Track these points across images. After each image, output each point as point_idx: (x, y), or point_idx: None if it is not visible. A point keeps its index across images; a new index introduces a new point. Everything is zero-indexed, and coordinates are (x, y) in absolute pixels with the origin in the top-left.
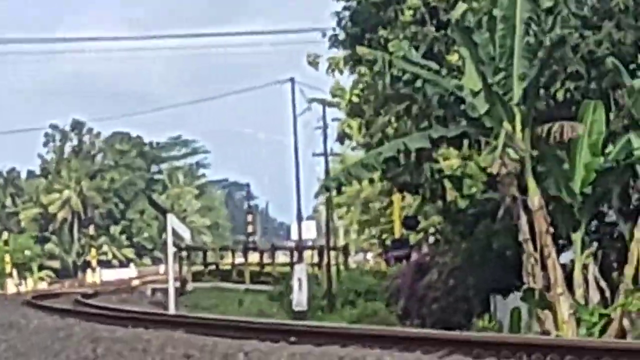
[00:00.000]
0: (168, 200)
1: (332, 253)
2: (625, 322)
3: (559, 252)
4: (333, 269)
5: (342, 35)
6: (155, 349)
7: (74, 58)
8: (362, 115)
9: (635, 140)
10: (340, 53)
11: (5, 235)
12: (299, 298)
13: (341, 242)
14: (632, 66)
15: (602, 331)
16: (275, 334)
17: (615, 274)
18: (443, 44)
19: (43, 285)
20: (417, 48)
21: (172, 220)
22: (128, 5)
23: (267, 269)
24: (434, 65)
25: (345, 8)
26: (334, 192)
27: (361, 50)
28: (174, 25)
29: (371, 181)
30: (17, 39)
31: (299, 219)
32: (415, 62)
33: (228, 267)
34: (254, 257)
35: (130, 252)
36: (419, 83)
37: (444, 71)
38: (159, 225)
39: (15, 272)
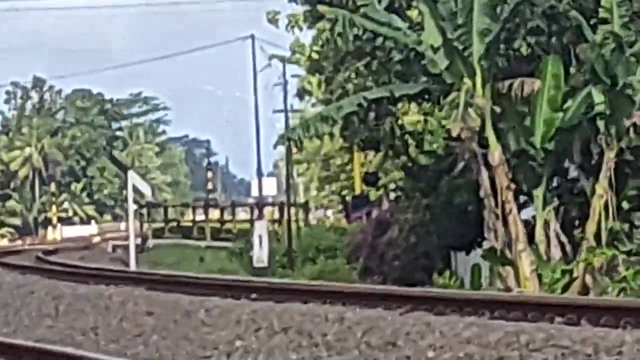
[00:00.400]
0: (129, 157)
1: (293, 210)
2: (588, 279)
3: (520, 208)
4: (293, 226)
5: None
6: (117, 305)
7: (33, 16)
8: (322, 71)
9: (596, 95)
10: (299, 9)
11: None
12: (260, 255)
13: (301, 199)
14: (592, 21)
15: (565, 288)
16: (237, 291)
17: (576, 231)
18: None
19: (3, 242)
20: (379, 2)
21: (132, 177)
22: None
23: (228, 225)
24: (394, 22)
25: None
26: (294, 146)
27: (322, 9)
28: None
29: (331, 136)
30: None
31: (259, 175)
32: (376, 20)
33: (189, 224)
34: (214, 213)
35: (91, 209)
36: (379, 40)
37: (405, 26)
38: (119, 183)
39: None
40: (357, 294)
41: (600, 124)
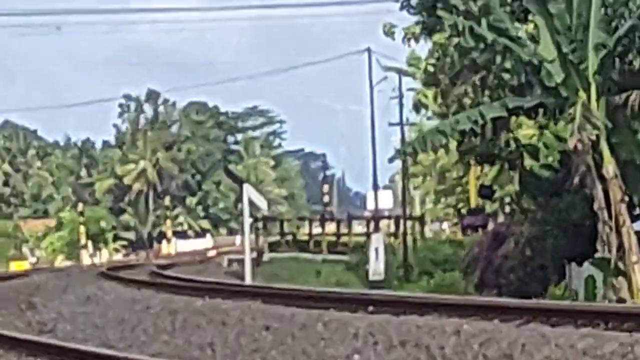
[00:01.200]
0: (244, 170)
1: (409, 223)
2: None
3: (634, 220)
4: (409, 239)
5: (414, 2)
6: (234, 320)
7: (146, 29)
8: (438, 84)
9: None
10: (414, 20)
11: (80, 206)
12: (376, 267)
13: (417, 212)
14: None
15: None
16: (353, 304)
17: None
18: (520, 13)
19: (118, 257)
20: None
21: (248, 191)
22: None
23: (344, 239)
24: (513, 31)
25: None
26: (410, 159)
27: (442, 14)
28: None
29: (446, 149)
30: (89, 9)
31: (375, 188)
32: (497, 28)
33: (305, 238)
34: (330, 227)
35: (206, 223)
36: (498, 48)
37: (524, 36)
38: (235, 196)
39: (90, 244)
40: (473, 306)
41: None
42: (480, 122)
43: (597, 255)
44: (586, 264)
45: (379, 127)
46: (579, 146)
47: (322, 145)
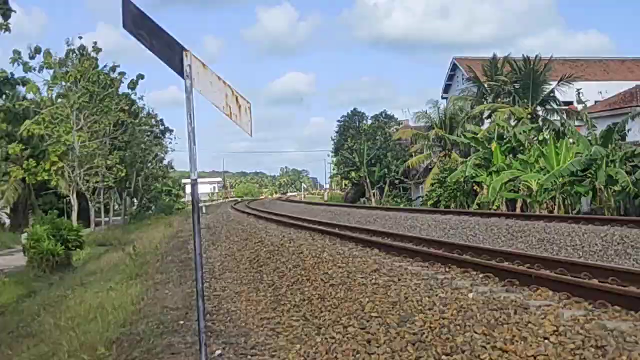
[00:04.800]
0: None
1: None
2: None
3: (373, 190)
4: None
5: (334, 151)
6: (301, 208)
7: None
8: (340, 165)
9: (384, 169)
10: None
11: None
12: (325, 199)
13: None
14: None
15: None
16: (320, 204)
17: (381, 198)
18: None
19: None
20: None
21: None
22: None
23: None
24: (359, 156)
25: (335, 143)
26: (333, 179)
27: (341, 152)
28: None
29: (335, 177)
30: None
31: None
32: (354, 151)
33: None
34: (315, 190)
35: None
36: (356, 158)
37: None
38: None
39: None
40: (345, 205)
41: (385, 172)
42: (347, 172)
43: (367, 195)
44: (361, 199)
45: (325, 179)
46: (363, 178)
47: (315, 174)
